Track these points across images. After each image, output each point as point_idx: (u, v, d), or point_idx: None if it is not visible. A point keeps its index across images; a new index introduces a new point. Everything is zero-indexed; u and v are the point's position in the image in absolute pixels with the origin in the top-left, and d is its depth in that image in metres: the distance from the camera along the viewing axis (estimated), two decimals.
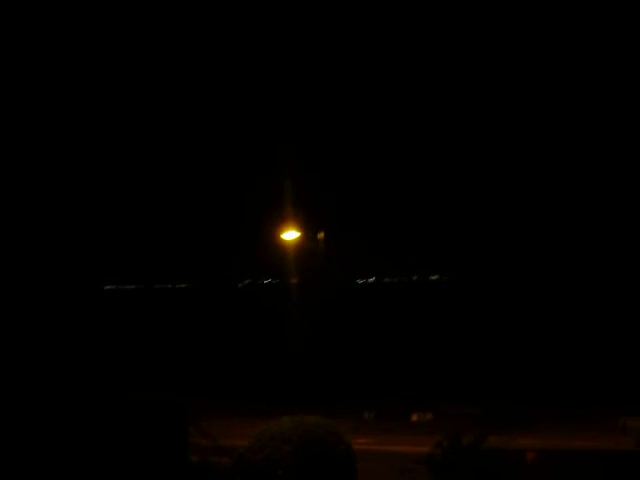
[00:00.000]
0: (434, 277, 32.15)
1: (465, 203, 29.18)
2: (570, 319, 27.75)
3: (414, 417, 24.14)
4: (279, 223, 26.72)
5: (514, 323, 28.54)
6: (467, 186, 28.84)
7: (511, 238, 29.34)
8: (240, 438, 13.37)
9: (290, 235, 26.05)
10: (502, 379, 26.20)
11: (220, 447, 15.23)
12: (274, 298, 30.03)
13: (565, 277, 30.01)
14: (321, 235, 26.43)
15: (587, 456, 14.81)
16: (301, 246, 27.01)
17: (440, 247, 31.19)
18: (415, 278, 32.59)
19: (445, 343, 28.58)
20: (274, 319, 29.60)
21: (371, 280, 32.68)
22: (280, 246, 26.94)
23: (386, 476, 14.51)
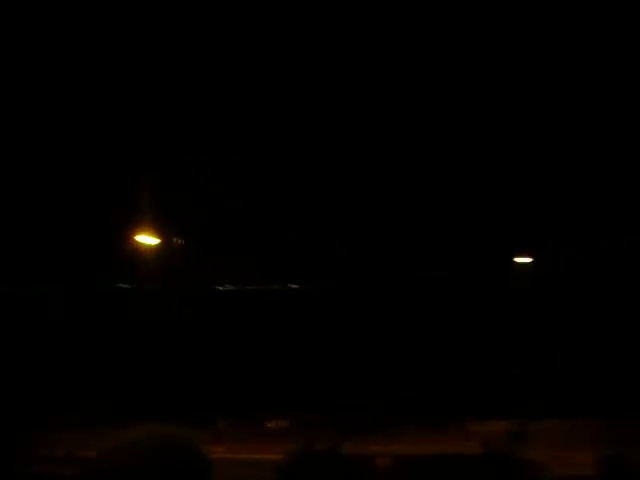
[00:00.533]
0: (295, 286, 32.47)
1: (329, 212, 29.66)
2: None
3: (270, 424, 24.26)
4: (136, 225, 26.21)
5: (370, 330, 29.16)
6: (331, 194, 29.27)
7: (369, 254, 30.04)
8: (93, 449, 13.02)
9: (146, 239, 25.62)
10: (357, 386, 26.70)
11: (70, 457, 14.78)
12: (128, 303, 29.40)
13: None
14: (178, 241, 26.14)
15: (436, 460, 15.38)
16: (158, 250, 26.60)
17: (303, 256, 31.52)
18: (276, 287, 32.82)
19: (302, 351, 28.85)
20: (127, 325, 28.98)
21: (230, 287, 32.64)
22: (136, 250, 26.44)
23: None
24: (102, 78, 24.31)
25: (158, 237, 26.18)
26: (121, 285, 29.03)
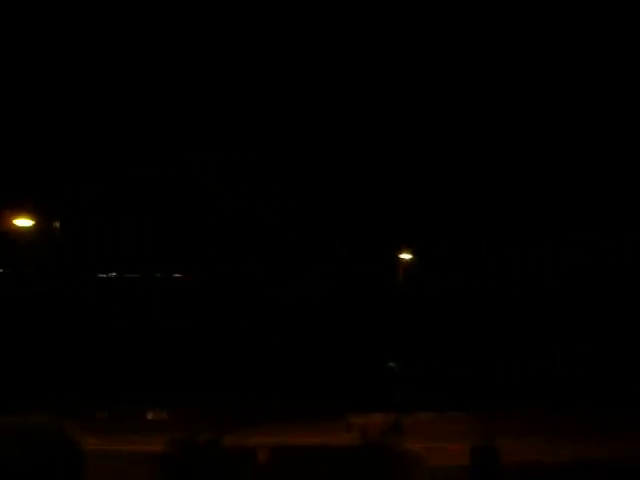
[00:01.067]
0: (178, 275, 32.07)
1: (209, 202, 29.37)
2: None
3: (149, 415, 23.91)
4: (11, 208, 25.29)
5: (252, 322, 29.19)
6: (215, 184, 28.99)
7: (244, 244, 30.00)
8: None
9: (23, 222, 24.75)
10: (238, 378, 26.66)
11: None
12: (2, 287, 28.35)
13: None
14: (57, 224, 25.37)
15: (315, 451, 15.53)
16: (36, 234, 25.74)
17: (186, 246, 31.15)
18: (159, 275, 32.33)
19: (182, 342, 28.57)
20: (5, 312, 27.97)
21: (113, 275, 31.95)
22: (12, 233, 25.51)
23: (117, 476, 14.24)
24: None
25: (35, 220, 25.30)
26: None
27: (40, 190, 26.74)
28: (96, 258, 30.06)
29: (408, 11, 25.45)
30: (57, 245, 27.06)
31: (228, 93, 26.34)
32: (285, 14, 25.32)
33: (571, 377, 27.16)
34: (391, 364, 26.02)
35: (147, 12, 24.24)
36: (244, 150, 28.05)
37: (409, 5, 25.30)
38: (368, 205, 29.14)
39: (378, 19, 25.29)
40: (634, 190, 28.27)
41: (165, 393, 25.28)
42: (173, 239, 29.79)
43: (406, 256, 26.81)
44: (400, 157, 28.68)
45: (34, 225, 25.15)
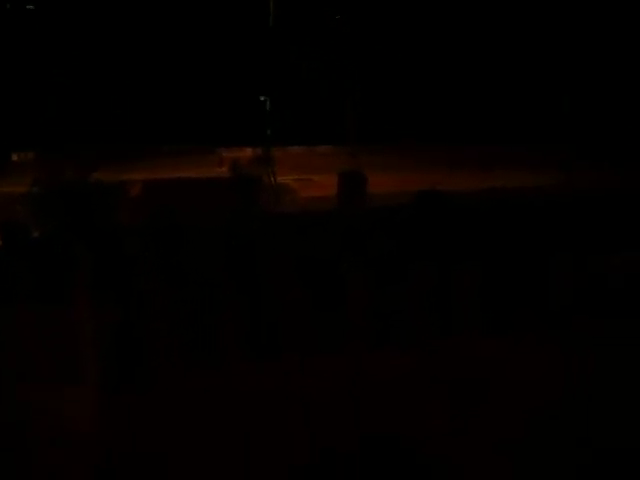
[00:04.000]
0: None
1: None
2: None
3: (14, 157, 23.40)
4: None
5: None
6: None
7: None
8: None
9: None
10: (108, 118, 25.98)
11: None
12: None
13: None
14: None
15: (187, 183, 15.77)
16: None
17: None
18: None
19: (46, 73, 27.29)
20: None
21: None
22: None
23: None
24: None
25: None
26: None
27: None
28: None
29: None
30: None
31: None
32: None
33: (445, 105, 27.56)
34: (262, 98, 25.89)
35: None
36: None
37: None
38: None
39: None
40: None
41: (31, 135, 24.56)
42: None
43: None
44: None
45: None
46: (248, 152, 22.20)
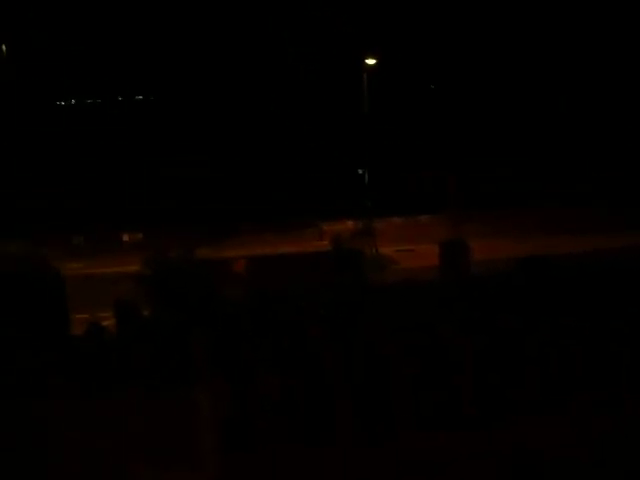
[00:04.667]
0: (139, 97, 31.45)
1: None
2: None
3: (125, 238, 24.17)
4: None
5: (216, 140, 29.00)
6: None
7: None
8: None
9: None
10: (209, 198, 26.66)
11: None
12: None
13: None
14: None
15: (291, 259, 15.99)
16: None
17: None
18: (120, 98, 31.66)
19: (152, 165, 28.46)
20: None
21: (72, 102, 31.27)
22: None
23: (99, 296, 14.60)
24: None
25: None
26: None
27: None
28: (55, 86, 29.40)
29: None
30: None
31: None
32: None
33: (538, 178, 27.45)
34: (360, 171, 26.18)
35: None
36: None
37: None
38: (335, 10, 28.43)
39: None
40: None
41: (139, 216, 25.39)
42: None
43: (370, 61, 26.22)
44: None
45: None
46: (349, 224, 22.40)
